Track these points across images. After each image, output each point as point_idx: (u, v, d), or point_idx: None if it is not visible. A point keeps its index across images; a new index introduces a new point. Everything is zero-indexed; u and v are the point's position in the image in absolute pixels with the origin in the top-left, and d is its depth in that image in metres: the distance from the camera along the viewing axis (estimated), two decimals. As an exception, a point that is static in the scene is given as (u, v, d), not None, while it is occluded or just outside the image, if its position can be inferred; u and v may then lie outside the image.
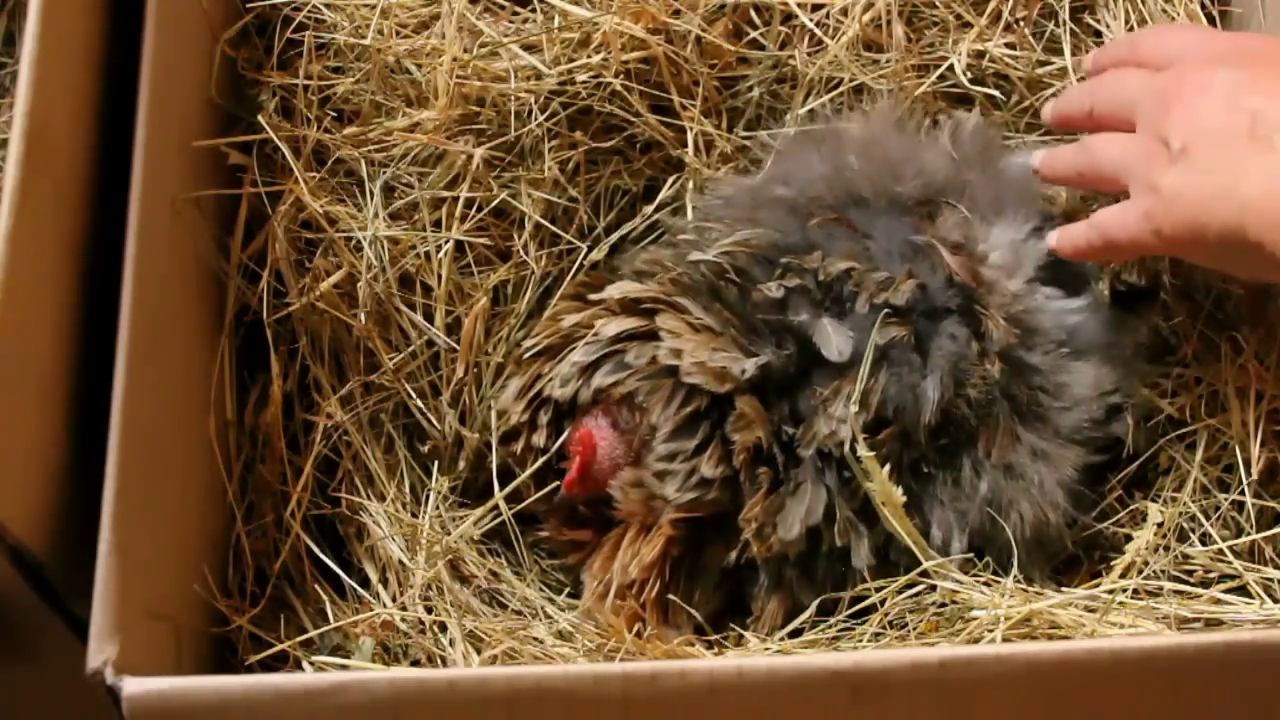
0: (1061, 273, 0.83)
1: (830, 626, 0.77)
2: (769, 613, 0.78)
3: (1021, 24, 0.91)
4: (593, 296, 0.82)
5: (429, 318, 0.86)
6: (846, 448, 0.76)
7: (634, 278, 0.82)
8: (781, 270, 0.79)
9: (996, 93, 0.90)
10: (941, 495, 0.78)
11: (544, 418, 0.81)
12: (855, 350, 0.77)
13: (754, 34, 0.90)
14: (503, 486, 0.81)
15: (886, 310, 0.77)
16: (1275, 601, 0.75)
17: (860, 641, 0.75)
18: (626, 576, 0.77)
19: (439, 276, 0.85)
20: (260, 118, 0.83)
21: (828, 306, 0.78)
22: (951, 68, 0.89)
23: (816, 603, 0.77)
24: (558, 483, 0.80)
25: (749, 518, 0.76)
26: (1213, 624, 0.74)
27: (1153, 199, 0.73)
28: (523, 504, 0.82)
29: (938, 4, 0.91)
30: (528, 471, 0.81)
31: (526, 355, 0.83)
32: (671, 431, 0.77)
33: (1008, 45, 0.91)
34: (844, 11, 0.89)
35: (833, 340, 0.77)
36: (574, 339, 0.80)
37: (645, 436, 0.78)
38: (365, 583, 0.80)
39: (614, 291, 0.80)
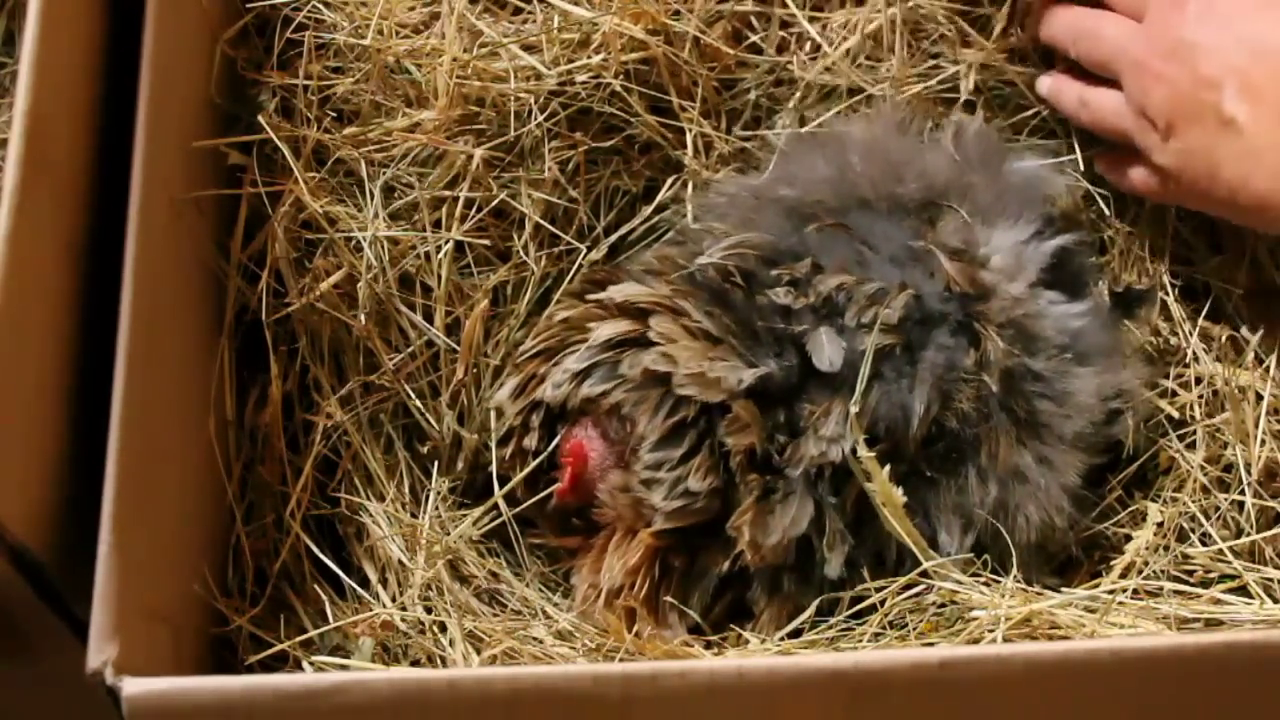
0: (1062, 275, 0.83)
1: (830, 626, 0.77)
2: (767, 618, 0.77)
3: (1022, 33, 0.91)
4: (591, 296, 0.81)
5: (429, 318, 0.86)
6: (847, 449, 0.75)
7: (640, 278, 0.81)
8: (784, 278, 0.78)
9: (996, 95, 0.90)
10: (946, 501, 0.77)
11: (536, 420, 0.81)
12: (847, 361, 0.76)
13: (754, 38, 0.90)
14: (501, 487, 0.81)
15: (880, 325, 0.76)
16: (1275, 601, 0.75)
17: (860, 641, 0.75)
18: (614, 580, 0.77)
19: (439, 277, 0.85)
20: (260, 118, 0.83)
21: (825, 315, 0.77)
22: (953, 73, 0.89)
23: (816, 603, 0.77)
24: (551, 489, 0.80)
25: (738, 525, 0.75)
26: (1213, 624, 0.73)
27: (1158, 178, 0.81)
28: (520, 507, 0.82)
29: (940, 20, 0.91)
30: (522, 474, 0.81)
31: (522, 357, 0.82)
32: (658, 440, 0.76)
33: (1009, 51, 0.91)
34: (845, 25, 0.89)
35: (825, 350, 0.76)
36: (569, 339, 0.80)
37: (634, 444, 0.77)
38: (365, 583, 0.79)
39: (615, 294, 0.80)
